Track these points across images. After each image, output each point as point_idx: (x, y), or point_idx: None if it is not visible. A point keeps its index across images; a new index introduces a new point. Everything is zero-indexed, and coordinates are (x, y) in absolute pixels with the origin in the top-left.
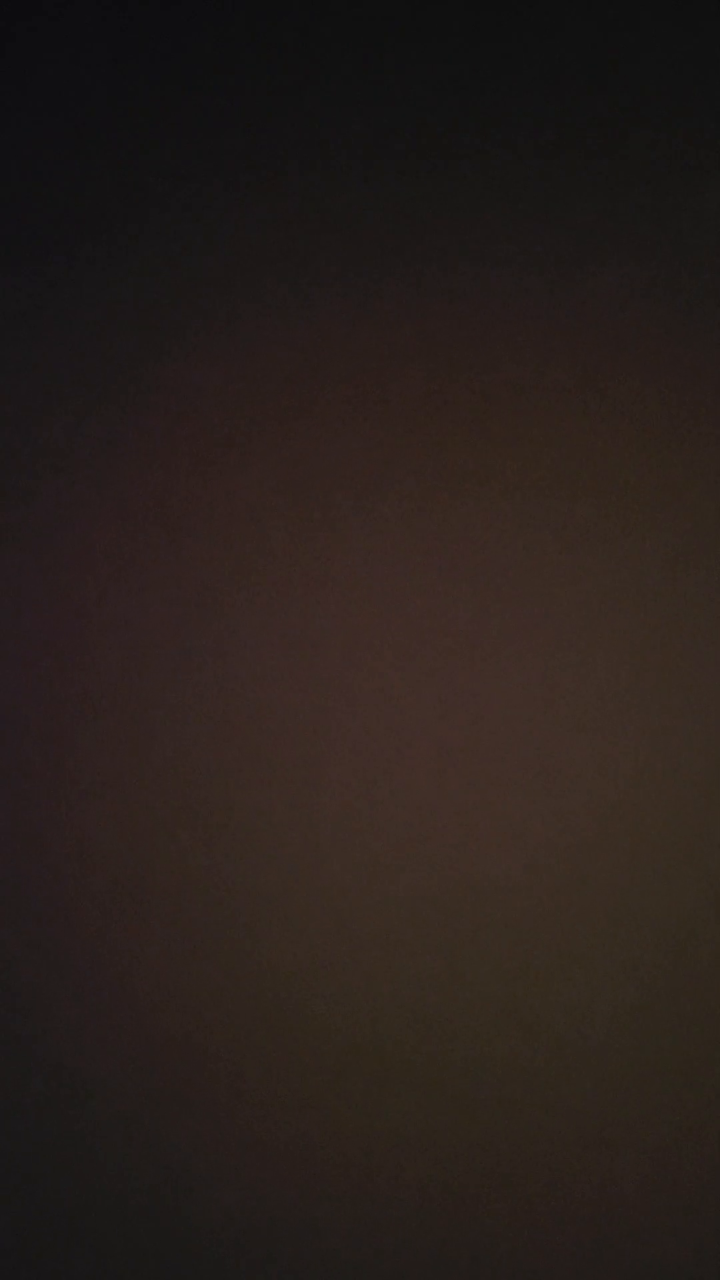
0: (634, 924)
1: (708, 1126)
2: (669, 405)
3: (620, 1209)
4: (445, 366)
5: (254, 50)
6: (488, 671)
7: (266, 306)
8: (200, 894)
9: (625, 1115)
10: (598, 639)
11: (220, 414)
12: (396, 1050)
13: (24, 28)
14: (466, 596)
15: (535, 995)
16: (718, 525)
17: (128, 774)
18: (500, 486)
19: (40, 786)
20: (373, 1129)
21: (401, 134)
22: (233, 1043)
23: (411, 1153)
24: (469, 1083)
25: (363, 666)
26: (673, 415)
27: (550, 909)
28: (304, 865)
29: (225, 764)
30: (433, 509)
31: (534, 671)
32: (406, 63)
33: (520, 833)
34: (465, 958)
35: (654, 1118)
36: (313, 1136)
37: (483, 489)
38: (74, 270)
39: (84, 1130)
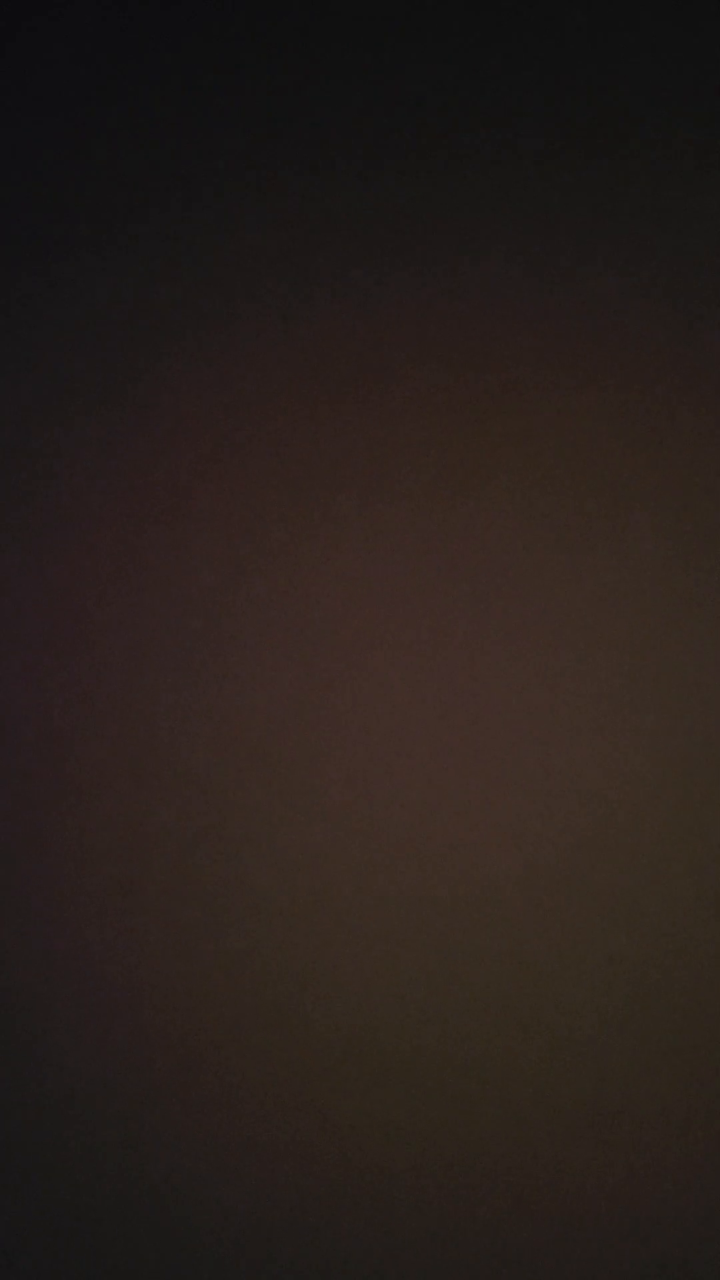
0: (633, 923)
1: (706, 1124)
2: (670, 405)
3: (621, 1208)
4: (445, 366)
5: (254, 50)
6: (488, 670)
7: (266, 307)
8: (200, 893)
9: (625, 1114)
10: (598, 638)
11: (220, 414)
12: (395, 1049)
13: (24, 27)
14: (467, 596)
15: (534, 994)
16: (718, 525)
17: (128, 774)
18: (501, 486)
19: (40, 786)
20: (371, 1128)
21: (401, 134)
22: (232, 1042)
23: (410, 1151)
24: (468, 1082)
25: (363, 666)
26: (673, 415)
27: (549, 908)
28: (303, 864)
29: (225, 763)
30: (433, 509)
31: (534, 671)
32: (406, 63)
33: (519, 831)
34: (464, 956)
35: (653, 1116)
36: (311, 1135)
37: (483, 489)
38: (74, 270)
39: (84, 1130)
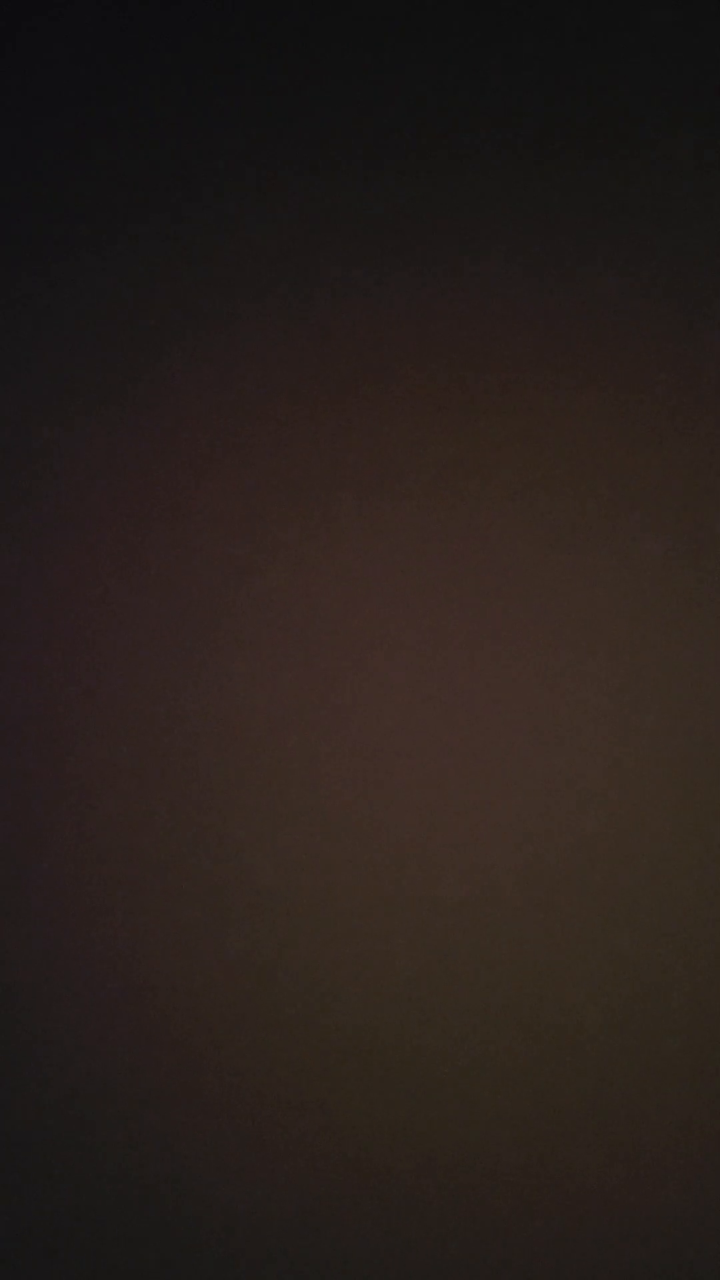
0: (636, 922)
1: (708, 1125)
2: (670, 405)
3: (622, 1208)
4: (446, 366)
5: (254, 50)
6: (489, 670)
7: (266, 307)
8: (201, 893)
9: (628, 1114)
10: (599, 638)
11: (220, 414)
12: (397, 1049)
13: (24, 27)
14: (467, 595)
15: (537, 993)
16: (719, 525)
17: (128, 774)
18: (501, 486)
19: (40, 785)
20: (373, 1127)
21: (402, 134)
22: (233, 1042)
23: (412, 1150)
24: (470, 1082)
25: (364, 665)
26: (674, 415)
27: (552, 908)
28: (305, 863)
29: (225, 763)
30: (433, 509)
31: (535, 670)
32: (407, 63)
33: (521, 830)
34: (466, 956)
35: (656, 1116)
36: (311, 1134)
37: (483, 489)
38: (74, 271)
39: (83, 1129)
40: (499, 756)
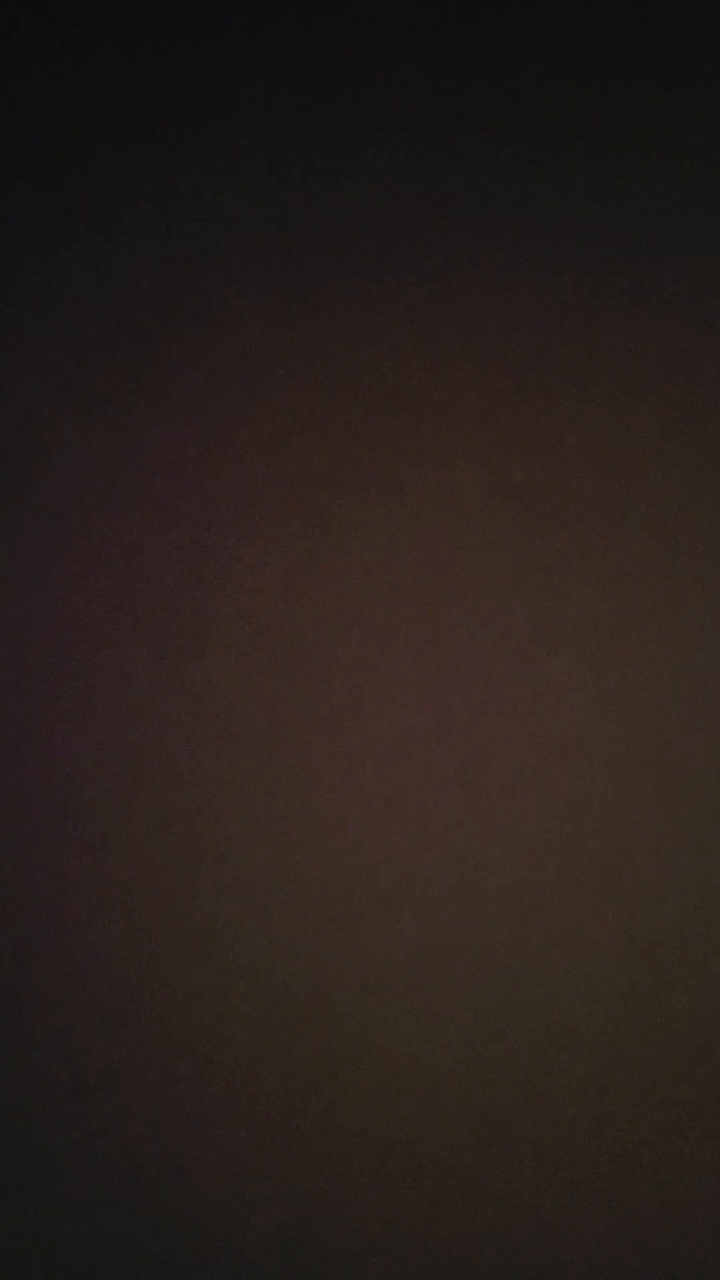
0: (631, 927)
1: (708, 1123)
2: (671, 406)
3: (623, 1209)
4: (446, 367)
5: (254, 50)
6: (489, 670)
7: (267, 307)
8: (198, 899)
9: (628, 1118)
10: (599, 640)
11: (220, 414)
12: (395, 1051)
13: (25, 26)
14: (466, 596)
15: (533, 997)
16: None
17: (125, 773)
18: (501, 487)
19: (39, 785)
20: (372, 1128)
21: (402, 134)
22: (232, 1042)
23: (411, 1150)
24: (468, 1085)
25: (363, 665)
26: (675, 416)
27: (547, 913)
28: (300, 866)
29: (220, 766)
30: (434, 509)
31: (535, 671)
32: (407, 62)
33: (519, 830)
34: (462, 961)
35: (656, 1118)
36: (312, 1135)
37: (484, 489)
38: (75, 271)
39: (83, 1128)
40: (497, 757)
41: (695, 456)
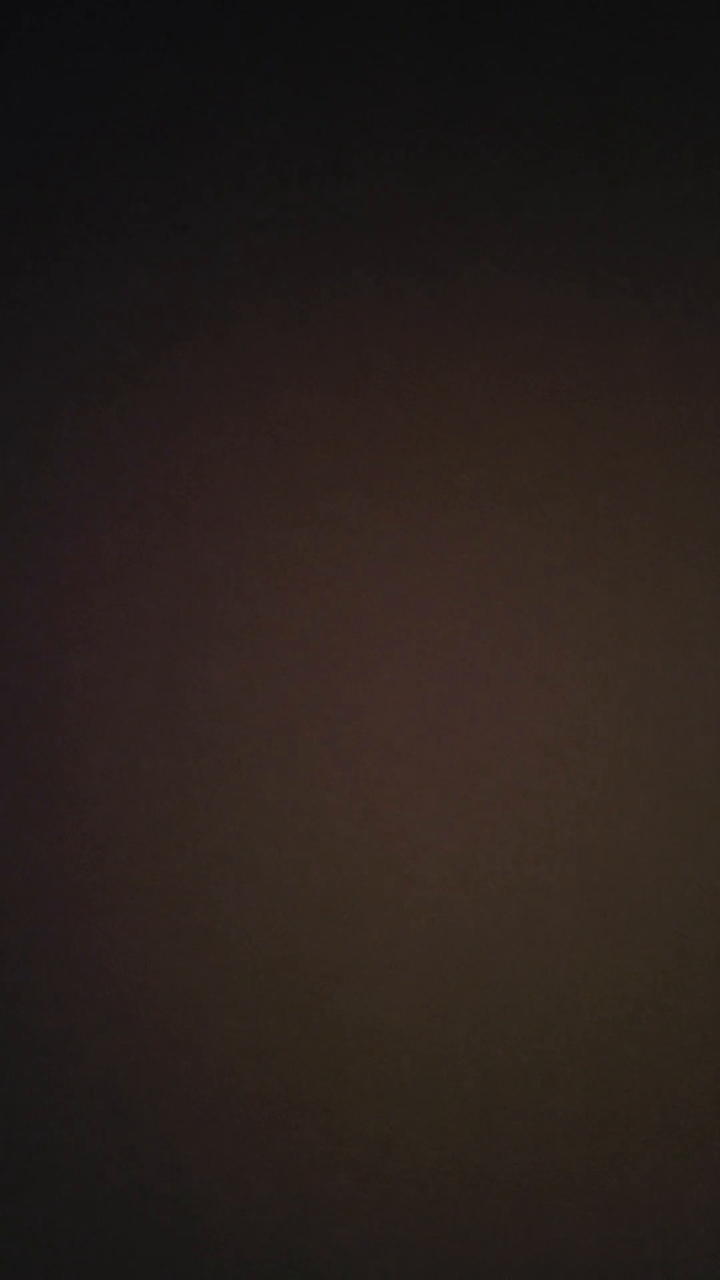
0: (633, 925)
1: (709, 1123)
2: (671, 405)
3: (622, 1206)
4: (447, 367)
5: (255, 49)
6: (488, 670)
7: (267, 307)
8: (201, 894)
9: (626, 1114)
10: (599, 640)
11: (221, 414)
12: (396, 1051)
13: (25, 26)
14: (467, 595)
15: (536, 997)
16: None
17: (128, 771)
18: (501, 487)
19: (40, 784)
20: (373, 1129)
21: (402, 134)
22: (232, 1043)
23: (411, 1151)
24: (469, 1086)
25: (363, 665)
26: (675, 416)
27: (549, 911)
28: (304, 865)
29: (225, 763)
30: (434, 509)
31: (534, 671)
32: (407, 63)
33: (521, 830)
34: (465, 960)
35: (655, 1114)
36: (312, 1135)
37: (484, 489)
38: (75, 271)
39: (83, 1128)
40: (499, 757)
41: (697, 457)
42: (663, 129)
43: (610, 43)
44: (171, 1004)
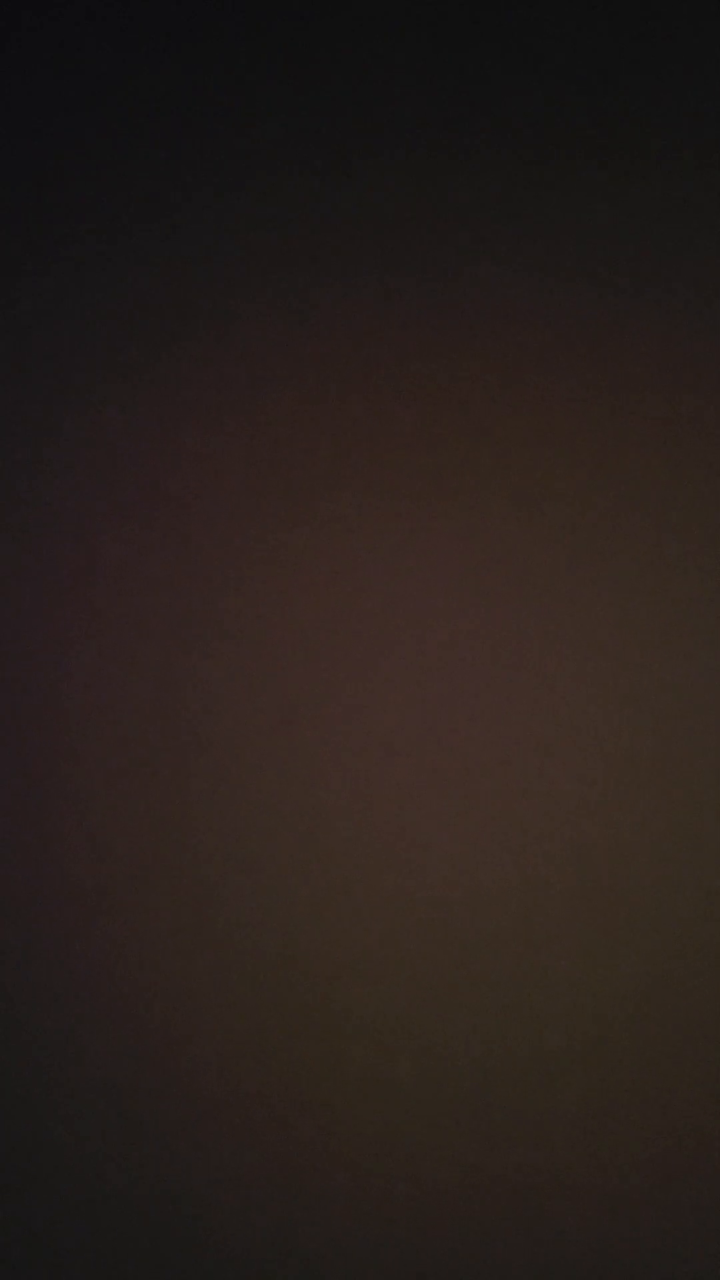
0: (631, 927)
1: (709, 1122)
2: (671, 406)
3: (622, 1206)
4: (447, 367)
5: (256, 49)
6: (487, 669)
7: (267, 307)
8: (199, 893)
9: (627, 1112)
10: (599, 640)
11: (221, 415)
12: (396, 1051)
13: (25, 26)
14: (467, 596)
15: (534, 996)
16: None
17: (127, 770)
18: (501, 487)
19: (39, 783)
20: (372, 1129)
21: (402, 135)
22: (233, 1040)
23: (411, 1151)
24: (468, 1086)
25: (363, 665)
26: (675, 416)
27: (551, 907)
28: (302, 864)
29: (224, 762)
30: (434, 509)
31: (534, 671)
32: (408, 63)
33: (521, 830)
34: (463, 960)
35: (655, 1113)
36: (312, 1135)
37: (484, 490)
38: (76, 270)
39: (83, 1128)
40: (499, 757)
41: (697, 456)
42: (663, 129)
43: (610, 43)
44: (171, 1003)
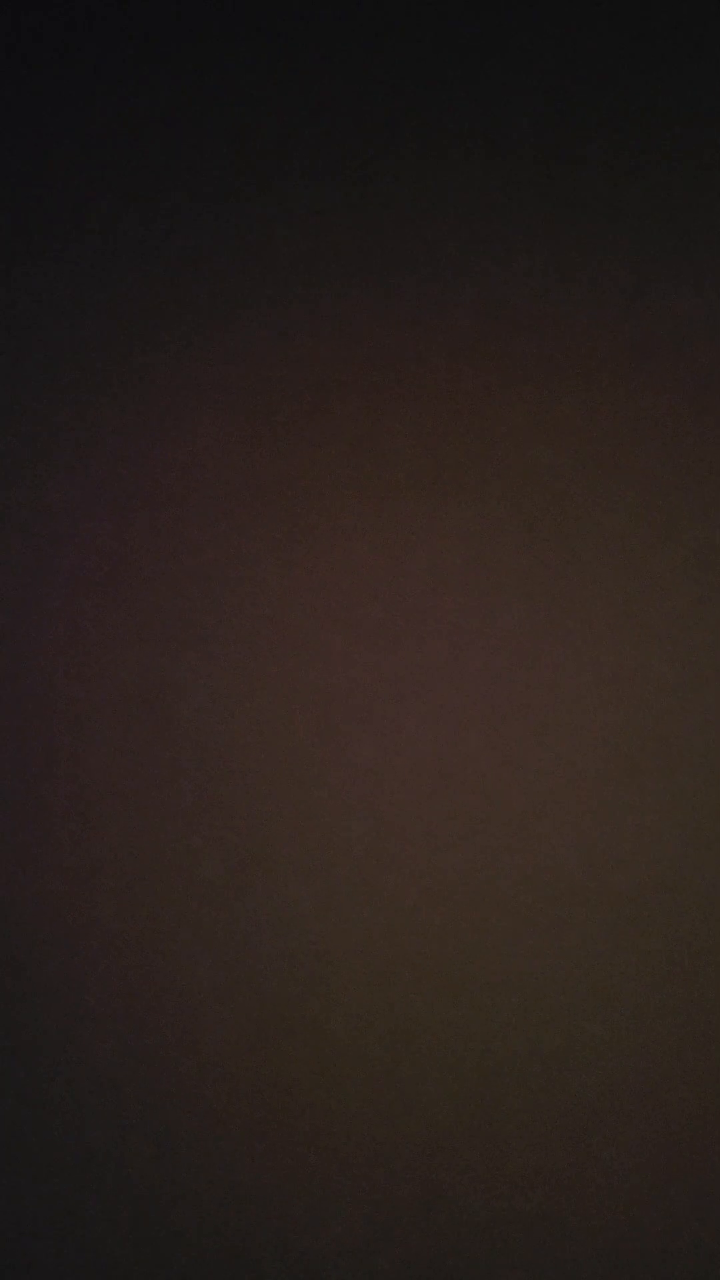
0: (634, 927)
1: (710, 1122)
2: (670, 406)
3: (623, 1206)
4: (447, 367)
5: (258, 50)
6: (487, 669)
7: (267, 307)
8: (203, 893)
9: (627, 1111)
10: (600, 640)
11: (220, 415)
12: (396, 1051)
13: (25, 26)
14: (467, 595)
15: (541, 993)
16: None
17: (127, 770)
18: (502, 487)
19: (43, 784)
20: (372, 1129)
21: (405, 135)
22: (234, 1040)
23: (411, 1149)
24: (468, 1086)
25: (362, 664)
26: (674, 416)
27: (555, 908)
28: (302, 864)
29: (222, 762)
30: (434, 509)
31: (535, 671)
32: (411, 64)
33: (524, 829)
34: (465, 959)
35: (656, 1113)
36: (311, 1135)
37: (484, 490)
38: (76, 270)
39: (84, 1128)
40: (499, 756)
41: (696, 454)
42: (663, 129)
43: (610, 43)
44: (171, 1001)
